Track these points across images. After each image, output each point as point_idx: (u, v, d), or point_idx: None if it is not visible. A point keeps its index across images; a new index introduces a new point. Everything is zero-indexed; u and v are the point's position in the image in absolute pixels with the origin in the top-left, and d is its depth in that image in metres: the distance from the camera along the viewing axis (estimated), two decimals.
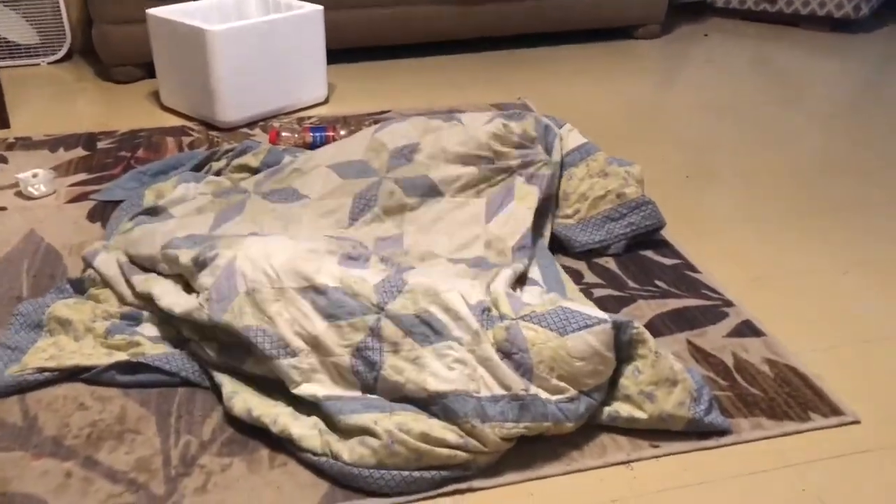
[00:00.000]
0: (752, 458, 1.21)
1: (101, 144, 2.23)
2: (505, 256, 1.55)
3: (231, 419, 1.24)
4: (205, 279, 1.33)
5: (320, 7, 2.45)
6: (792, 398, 1.31)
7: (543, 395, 1.17)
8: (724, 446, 1.22)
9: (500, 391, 1.17)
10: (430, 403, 1.18)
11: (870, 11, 3.31)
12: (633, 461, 1.19)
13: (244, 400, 1.23)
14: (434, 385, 1.18)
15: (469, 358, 1.19)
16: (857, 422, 1.28)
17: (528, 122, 1.72)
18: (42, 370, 1.31)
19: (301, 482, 1.14)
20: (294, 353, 1.24)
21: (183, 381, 1.32)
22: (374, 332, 1.22)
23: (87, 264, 1.55)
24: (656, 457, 1.20)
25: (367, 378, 1.22)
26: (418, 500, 1.12)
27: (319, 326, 1.24)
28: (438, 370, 1.19)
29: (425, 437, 1.13)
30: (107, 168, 2.09)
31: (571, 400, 1.18)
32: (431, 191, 1.64)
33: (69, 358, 1.34)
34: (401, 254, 1.53)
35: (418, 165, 1.68)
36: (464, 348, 1.20)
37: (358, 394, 1.23)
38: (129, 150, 2.20)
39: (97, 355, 1.34)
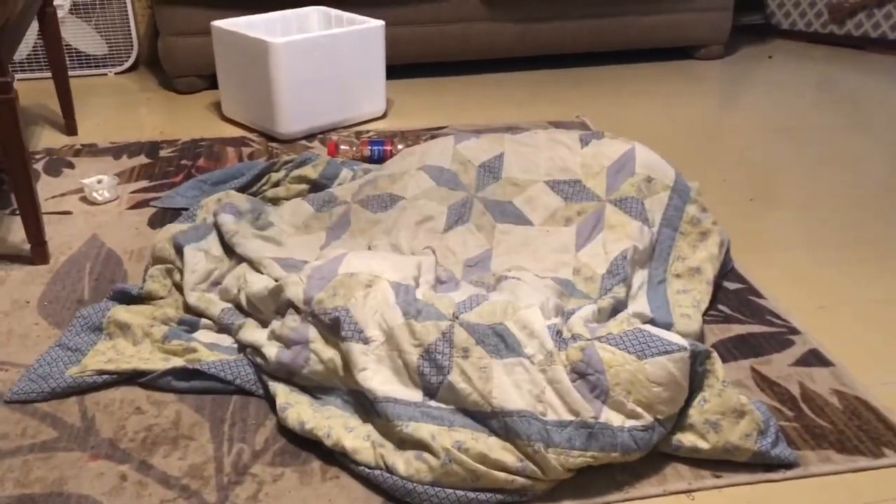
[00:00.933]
0: (819, 494, 1.15)
1: (163, 153, 2.27)
2: (594, 283, 1.50)
3: (284, 429, 1.23)
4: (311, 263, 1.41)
5: (381, 22, 2.46)
6: (863, 432, 1.26)
7: (616, 422, 1.14)
8: (790, 479, 1.17)
9: (567, 416, 1.14)
10: (491, 418, 1.16)
11: None
12: (694, 490, 1.15)
13: (298, 412, 1.22)
14: (499, 400, 1.15)
15: (539, 378, 1.17)
16: None
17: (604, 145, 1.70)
18: (101, 372, 1.33)
19: (353, 496, 1.13)
20: (367, 341, 1.25)
21: (237, 389, 1.32)
22: (447, 337, 1.22)
23: (177, 249, 1.57)
24: (718, 487, 1.16)
25: (433, 382, 1.21)
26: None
27: (398, 320, 1.25)
28: (506, 385, 1.16)
29: (483, 459, 1.10)
30: (168, 176, 2.12)
31: (646, 429, 1.14)
32: (519, 219, 1.63)
33: (127, 362, 1.35)
34: (489, 276, 1.51)
35: (506, 186, 1.67)
36: (535, 367, 1.18)
37: (419, 398, 1.21)
38: (190, 158, 2.23)
39: (154, 360, 1.35)
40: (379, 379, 1.23)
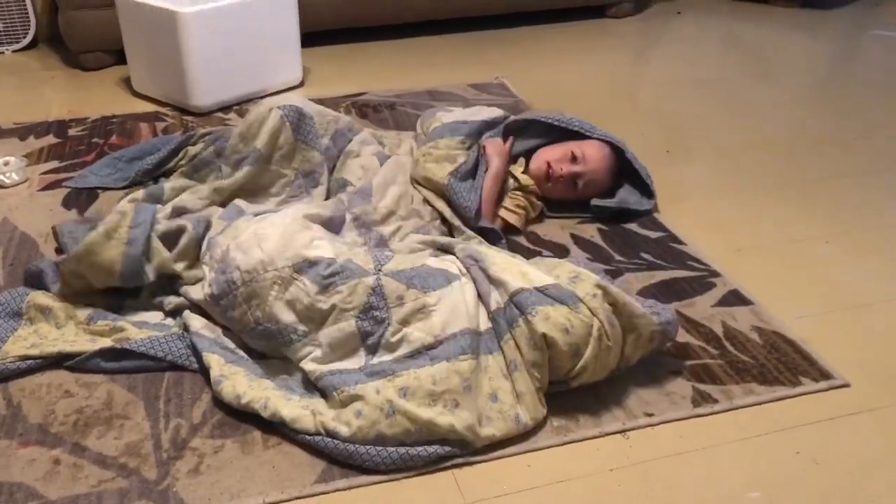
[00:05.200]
0: (745, 424, 1.21)
1: (72, 132, 2.18)
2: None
3: (221, 402, 1.22)
4: (206, 270, 1.37)
5: None
6: (782, 364, 1.32)
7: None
8: (717, 412, 1.23)
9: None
10: (434, 348, 1.20)
11: None
12: (628, 430, 1.19)
13: (233, 385, 1.21)
14: (441, 331, 1.21)
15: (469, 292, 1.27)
16: (846, 385, 1.29)
17: None
18: (24, 358, 1.28)
19: (297, 461, 1.13)
20: (300, 334, 1.26)
21: (170, 366, 1.30)
22: (377, 291, 1.24)
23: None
24: (651, 425, 1.21)
25: (375, 338, 1.23)
26: (417, 475, 1.12)
27: (320, 297, 1.25)
28: (444, 313, 1.23)
29: (431, 394, 1.14)
30: (79, 155, 2.04)
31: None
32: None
33: (52, 345, 1.31)
34: (371, 210, 1.55)
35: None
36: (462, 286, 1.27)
37: (362, 362, 1.23)
38: (101, 136, 2.15)
39: (80, 342, 1.31)
40: (320, 361, 1.25)
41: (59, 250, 1.59)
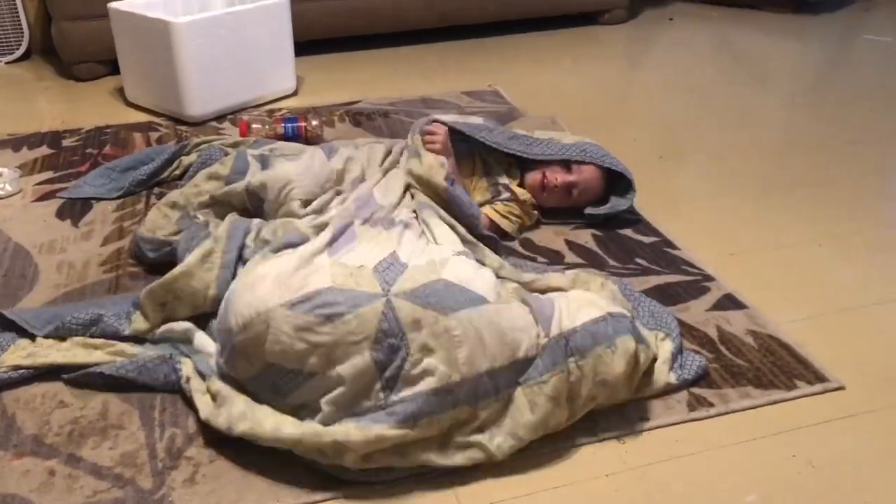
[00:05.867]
0: (741, 427, 1.21)
1: (66, 142, 2.18)
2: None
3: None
4: (213, 322, 1.30)
5: None
6: (777, 367, 1.33)
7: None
8: (713, 416, 1.23)
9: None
10: (461, 386, 1.12)
11: None
12: (624, 435, 1.19)
13: (228, 412, 1.15)
14: (467, 362, 1.12)
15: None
16: (841, 388, 1.29)
17: None
18: (16, 368, 1.28)
19: (293, 471, 1.12)
20: (306, 376, 1.14)
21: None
22: (388, 316, 1.12)
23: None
24: (647, 430, 1.21)
25: (393, 369, 1.11)
26: (415, 482, 1.11)
27: (323, 329, 1.12)
28: (472, 341, 1.12)
29: (449, 436, 1.13)
30: (73, 165, 2.04)
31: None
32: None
33: (44, 356, 1.30)
34: (377, 207, 1.50)
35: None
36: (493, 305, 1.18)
37: (381, 400, 1.12)
38: (95, 147, 2.15)
39: (76, 353, 1.31)
40: (331, 400, 1.13)
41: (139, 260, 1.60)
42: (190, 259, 1.37)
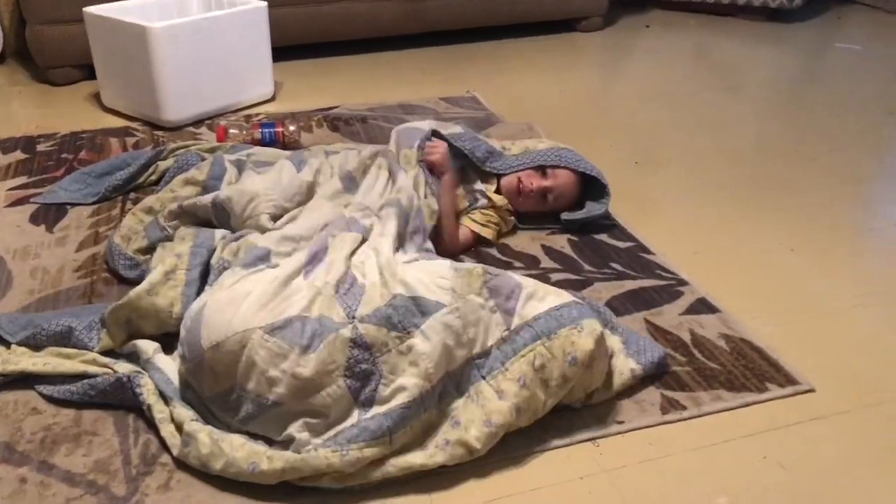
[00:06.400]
0: (713, 430, 1.23)
1: (40, 147, 2.16)
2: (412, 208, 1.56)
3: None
4: (182, 327, 1.24)
5: (264, 3, 2.42)
6: (749, 370, 1.34)
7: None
8: (686, 419, 1.24)
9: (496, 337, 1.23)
10: (430, 394, 1.15)
11: (803, 1, 3.41)
12: (598, 438, 1.21)
13: (197, 451, 1.12)
14: (435, 373, 1.15)
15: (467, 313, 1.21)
16: (811, 390, 1.31)
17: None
18: None
19: None
20: (274, 402, 1.14)
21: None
22: (357, 343, 1.15)
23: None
24: (621, 433, 1.22)
25: (367, 392, 1.14)
26: (391, 487, 1.12)
27: (300, 360, 1.13)
28: (436, 350, 1.16)
29: (423, 441, 1.14)
30: (48, 170, 2.02)
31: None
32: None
33: (15, 363, 1.29)
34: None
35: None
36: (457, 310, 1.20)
37: (356, 419, 1.13)
38: (71, 151, 2.14)
39: (48, 362, 1.29)
40: (310, 425, 1.14)
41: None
42: (153, 276, 1.37)
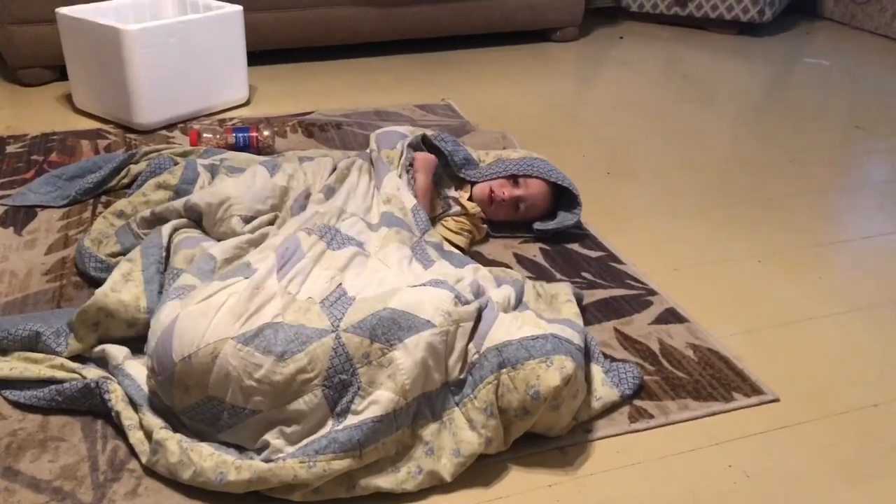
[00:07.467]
0: (680, 438, 1.25)
1: (10, 148, 2.14)
2: (406, 214, 1.56)
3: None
4: (149, 341, 1.21)
5: (239, 7, 2.41)
6: (716, 380, 1.36)
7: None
8: (653, 427, 1.26)
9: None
10: (404, 410, 1.15)
11: (773, 15, 3.47)
12: (567, 446, 1.22)
13: (165, 460, 1.12)
14: (412, 390, 1.15)
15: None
16: (776, 400, 1.33)
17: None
18: None
19: None
20: (250, 412, 1.13)
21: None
22: (339, 352, 1.14)
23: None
24: (589, 441, 1.23)
25: (344, 403, 1.14)
26: (360, 500, 1.12)
27: (276, 367, 1.12)
28: (412, 369, 1.15)
29: (394, 462, 1.14)
30: (18, 172, 2.00)
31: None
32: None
33: None
34: (322, 214, 1.47)
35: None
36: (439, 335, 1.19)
37: (328, 428, 1.13)
38: (41, 153, 2.11)
39: (14, 366, 1.28)
40: (285, 434, 1.13)
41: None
42: (112, 277, 1.38)
